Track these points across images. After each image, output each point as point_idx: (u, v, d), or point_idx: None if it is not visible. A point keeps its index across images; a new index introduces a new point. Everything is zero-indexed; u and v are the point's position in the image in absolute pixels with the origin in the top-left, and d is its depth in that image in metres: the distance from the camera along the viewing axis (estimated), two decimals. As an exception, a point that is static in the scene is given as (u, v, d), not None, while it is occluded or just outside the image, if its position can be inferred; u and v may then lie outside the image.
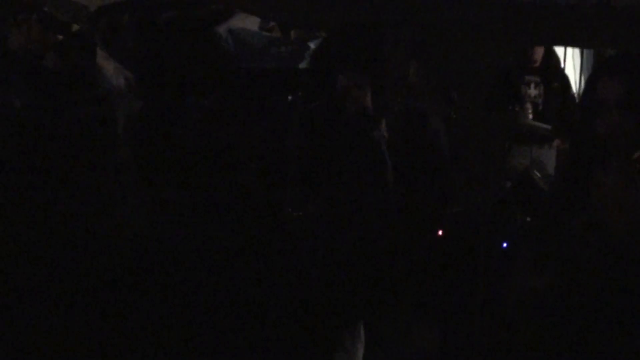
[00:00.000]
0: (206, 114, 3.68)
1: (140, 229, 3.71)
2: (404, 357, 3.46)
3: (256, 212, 3.61)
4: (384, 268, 3.00)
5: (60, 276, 3.39)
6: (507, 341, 3.23)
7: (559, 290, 2.38)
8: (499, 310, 3.36)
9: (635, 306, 2.16)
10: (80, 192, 3.57)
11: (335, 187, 2.86)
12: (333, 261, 2.86)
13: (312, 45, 4.35)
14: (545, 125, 4.87)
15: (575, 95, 5.37)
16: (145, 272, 3.52)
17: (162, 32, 3.92)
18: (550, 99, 5.28)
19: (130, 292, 3.47)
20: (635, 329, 2.16)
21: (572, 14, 3.15)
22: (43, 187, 3.42)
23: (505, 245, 4.03)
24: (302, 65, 4.02)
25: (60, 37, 3.44)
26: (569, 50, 5.91)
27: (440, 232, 3.92)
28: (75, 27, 4.19)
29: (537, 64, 5.35)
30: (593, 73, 2.40)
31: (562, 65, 5.63)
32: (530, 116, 5.17)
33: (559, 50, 5.60)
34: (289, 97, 3.06)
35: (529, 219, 3.94)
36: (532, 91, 5.30)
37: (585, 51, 6.02)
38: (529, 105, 5.20)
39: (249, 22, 4.66)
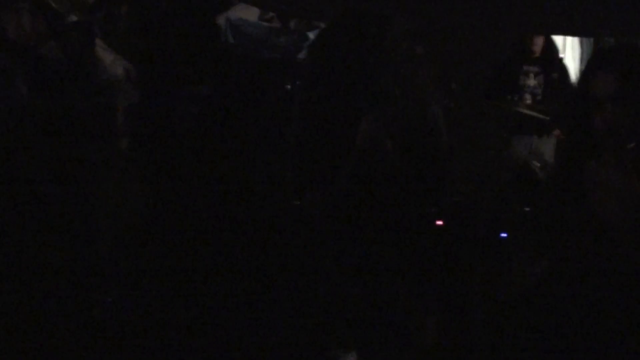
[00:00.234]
0: (204, 104, 3.68)
1: (138, 218, 3.72)
2: (402, 349, 3.46)
3: (256, 201, 3.62)
4: (383, 259, 3.01)
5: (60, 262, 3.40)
6: (505, 329, 3.24)
7: (556, 278, 2.39)
8: (497, 299, 3.37)
9: (629, 295, 2.17)
10: (79, 181, 3.58)
11: (334, 177, 2.86)
12: (332, 252, 2.87)
13: (311, 35, 4.35)
14: (544, 115, 4.87)
15: (575, 85, 5.36)
16: (142, 259, 3.54)
17: (160, 23, 3.92)
18: (549, 89, 5.28)
19: (128, 277, 3.48)
20: (630, 316, 2.17)
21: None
22: (42, 175, 3.42)
23: (504, 235, 4.03)
24: (301, 55, 4.03)
25: (53, 26, 3.42)
26: (568, 40, 5.90)
27: (439, 222, 3.93)
28: (73, 17, 4.18)
29: (537, 55, 5.34)
30: (587, 66, 2.38)
31: (562, 56, 5.63)
32: (530, 106, 5.17)
33: (558, 40, 5.60)
34: (288, 87, 3.07)
35: (527, 208, 3.94)
36: (532, 81, 5.30)
37: (584, 41, 6.01)
38: (528, 96, 5.20)
39: (248, 13, 4.66)
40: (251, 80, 3.88)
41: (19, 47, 3.46)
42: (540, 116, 4.63)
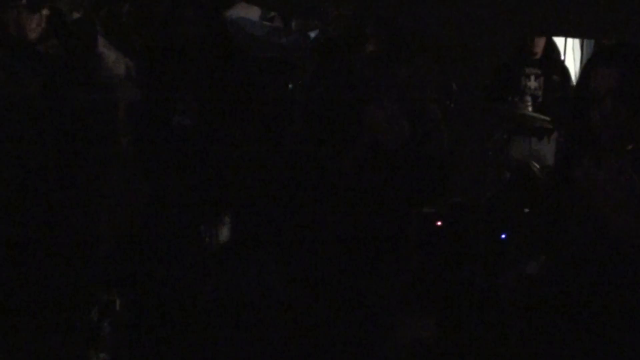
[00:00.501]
0: (204, 105, 3.69)
1: (138, 217, 3.72)
2: (400, 348, 3.47)
3: (257, 204, 3.62)
4: (383, 258, 3.01)
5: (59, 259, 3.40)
6: (502, 329, 3.26)
7: (553, 275, 2.39)
8: (496, 297, 3.38)
9: (628, 292, 2.17)
10: (80, 179, 3.58)
11: (337, 176, 2.87)
12: (334, 253, 2.88)
13: (312, 35, 4.36)
14: (544, 117, 4.87)
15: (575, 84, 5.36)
16: (143, 259, 3.53)
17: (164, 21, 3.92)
18: (550, 91, 5.28)
19: (128, 277, 3.49)
20: (629, 314, 2.18)
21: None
22: (43, 173, 3.42)
23: (504, 236, 4.04)
24: (302, 54, 4.03)
25: (54, 24, 3.42)
26: (569, 42, 5.91)
27: (439, 223, 3.94)
28: (75, 15, 4.19)
29: (538, 56, 5.35)
30: (588, 63, 2.37)
31: (562, 58, 5.63)
32: (530, 108, 5.17)
33: (559, 42, 5.60)
34: (290, 86, 3.07)
35: (527, 210, 3.95)
36: (532, 83, 5.30)
37: (585, 43, 6.02)
38: (528, 97, 5.20)
39: (249, 12, 4.66)
40: (252, 79, 3.88)
41: (20, 44, 3.46)
42: (541, 117, 4.64)
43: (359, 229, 2.87)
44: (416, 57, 3.22)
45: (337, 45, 3.05)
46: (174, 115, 3.67)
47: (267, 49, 4.41)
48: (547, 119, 4.91)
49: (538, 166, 4.30)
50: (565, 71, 5.48)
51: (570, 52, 6.09)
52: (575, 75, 5.62)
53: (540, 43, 5.34)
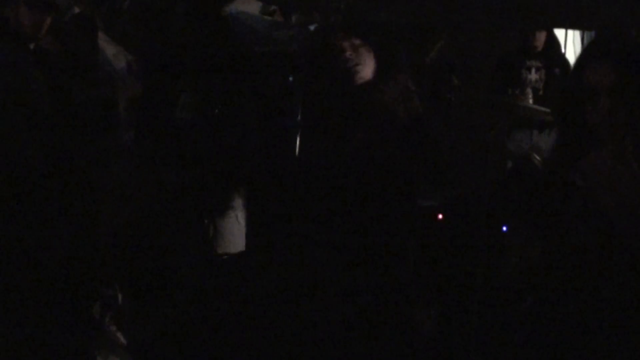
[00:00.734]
0: (205, 99, 3.69)
1: (140, 210, 3.72)
2: (403, 338, 3.47)
3: (259, 194, 3.63)
4: (385, 252, 3.01)
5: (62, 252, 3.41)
6: (502, 320, 3.26)
7: (551, 268, 2.39)
8: (496, 288, 3.38)
9: (629, 284, 2.17)
10: (82, 173, 3.58)
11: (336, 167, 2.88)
12: (334, 247, 2.88)
13: (312, 28, 4.36)
14: (545, 109, 4.87)
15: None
16: (146, 249, 3.54)
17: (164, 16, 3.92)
18: (550, 84, 5.28)
19: (130, 271, 3.49)
20: (629, 306, 2.17)
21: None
22: (45, 168, 3.42)
23: (505, 228, 4.03)
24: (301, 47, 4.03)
25: (49, 18, 3.42)
26: (570, 34, 5.90)
27: (440, 216, 3.93)
28: (76, 10, 4.19)
29: (539, 49, 5.35)
30: (581, 56, 2.34)
31: (563, 50, 5.63)
32: (531, 100, 5.17)
33: (560, 35, 5.60)
34: (290, 78, 3.08)
35: (527, 202, 3.94)
36: (533, 76, 5.30)
37: (585, 36, 6.01)
38: (529, 90, 5.20)
39: (249, 6, 4.66)
40: (253, 72, 3.88)
41: (20, 39, 3.46)
42: (542, 109, 4.62)
43: (359, 222, 2.88)
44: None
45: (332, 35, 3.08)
46: (175, 109, 3.67)
47: (267, 43, 4.41)
48: (548, 111, 4.91)
49: (539, 158, 4.28)
50: (566, 64, 5.47)
51: (571, 44, 6.08)
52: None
53: (541, 36, 5.34)
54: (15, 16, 3.37)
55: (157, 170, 3.76)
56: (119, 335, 3.53)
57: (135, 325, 3.70)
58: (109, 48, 4.04)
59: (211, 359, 3.18)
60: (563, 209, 2.28)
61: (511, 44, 5.44)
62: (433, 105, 4.05)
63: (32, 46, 3.49)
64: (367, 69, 2.98)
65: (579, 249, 2.24)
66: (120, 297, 3.57)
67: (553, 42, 5.45)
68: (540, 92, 5.25)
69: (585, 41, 6.09)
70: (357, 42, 3.02)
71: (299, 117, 3.07)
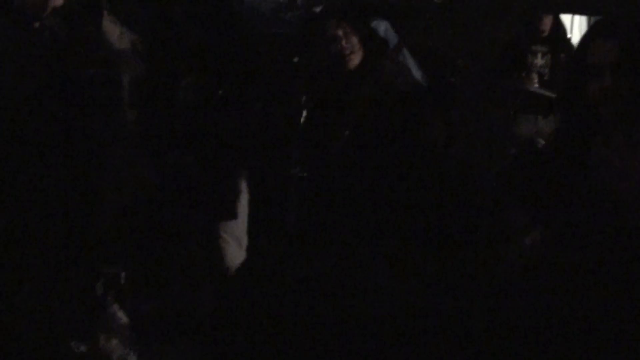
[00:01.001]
0: (208, 80, 3.68)
1: (142, 191, 3.72)
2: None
3: (261, 173, 3.63)
4: (386, 233, 3.01)
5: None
6: (504, 302, 3.25)
7: (553, 251, 2.38)
8: (496, 271, 3.37)
9: (633, 265, 2.16)
10: (84, 153, 3.58)
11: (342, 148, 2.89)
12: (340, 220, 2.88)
13: (317, 10, 4.34)
14: (550, 93, 4.86)
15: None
16: (149, 228, 3.54)
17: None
18: (556, 69, 5.27)
19: (133, 246, 3.50)
20: (633, 292, 2.17)
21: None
22: (46, 147, 3.42)
23: (507, 214, 4.02)
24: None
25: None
26: (576, 20, 5.88)
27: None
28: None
29: (545, 34, 5.33)
30: (586, 34, 2.31)
31: (569, 36, 5.61)
32: (536, 85, 5.16)
33: (566, 20, 5.58)
34: (295, 59, 3.09)
35: (531, 186, 3.93)
36: (539, 61, 5.28)
37: (592, 21, 5.98)
38: (534, 75, 5.19)
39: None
40: (257, 53, 3.87)
41: (24, 18, 3.46)
42: (548, 93, 4.61)
43: (364, 199, 2.88)
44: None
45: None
46: (178, 91, 3.67)
47: (272, 25, 4.40)
48: (554, 95, 4.90)
49: (543, 142, 4.27)
50: (572, 49, 5.45)
51: (577, 30, 6.07)
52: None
53: (547, 21, 5.33)
54: None
55: (159, 150, 3.75)
56: (121, 314, 3.54)
57: (138, 304, 3.71)
58: (113, 28, 4.01)
59: (215, 338, 3.18)
60: (567, 193, 2.27)
61: (517, 28, 5.42)
62: (437, 89, 4.04)
63: (36, 25, 3.48)
64: (357, 56, 3.08)
65: (584, 234, 2.23)
66: (122, 276, 3.58)
67: (559, 27, 5.44)
68: (546, 77, 5.24)
69: (591, 26, 6.07)
70: (348, 29, 3.08)
71: (304, 99, 3.08)
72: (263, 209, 3.86)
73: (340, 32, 3.10)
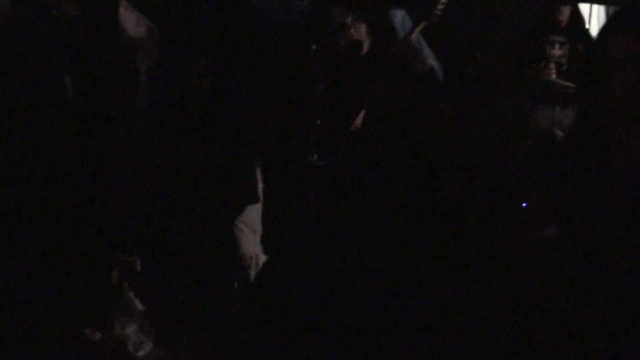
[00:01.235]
0: (223, 68, 3.67)
1: (156, 179, 3.72)
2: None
3: (277, 161, 3.61)
4: (399, 217, 2.99)
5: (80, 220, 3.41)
6: (520, 296, 3.22)
7: (571, 242, 2.36)
8: (513, 265, 3.34)
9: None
10: (100, 140, 3.58)
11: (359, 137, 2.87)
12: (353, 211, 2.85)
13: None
14: (568, 83, 4.82)
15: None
16: (164, 216, 3.54)
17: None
18: (574, 59, 5.23)
19: (149, 234, 3.49)
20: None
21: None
22: (63, 134, 3.42)
23: (525, 205, 4.00)
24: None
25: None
26: (594, 10, 5.83)
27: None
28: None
29: (563, 24, 5.29)
30: (605, 27, 2.27)
31: (587, 26, 5.56)
32: (554, 76, 5.12)
33: (584, 10, 5.54)
34: (313, 47, 3.07)
35: (549, 178, 3.90)
36: (557, 51, 5.25)
37: (610, 11, 5.94)
38: (552, 65, 5.15)
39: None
40: (271, 42, 3.86)
41: (42, 5, 3.45)
42: (566, 84, 4.58)
43: (380, 186, 2.86)
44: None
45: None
46: (192, 78, 3.66)
47: (287, 13, 4.38)
48: (572, 85, 4.87)
49: (562, 134, 4.25)
50: (590, 39, 5.41)
51: (595, 20, 6.02)
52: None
53: (565, 11, 5.28)
54: None
55: (173, 137, 3.75)
56: (137, 301, 3.54)
57: (153, 291, 3.71)
58: (130, 15, 4.01)
59: (231, 325, 3.18)
60: (588, 184, 2.24)
61: (535, 18, 5.39)
62: (454, 80, 4.02)
63: (54, 12, 3.48)
64: (366, 44, 3.10)
65: (605, 226, 2.21)
66: (138, 263, 3.58)
67: (577, 17, 5.40)
68: (564, 68, 5.20)
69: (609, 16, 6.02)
70: (357, 16, 3.08)
71: (321, 87, 3.07)
72: (279, 198, 3.85)
73: (348, 20, 3.09)
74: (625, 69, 2.11)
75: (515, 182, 3.86)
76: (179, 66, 3.69)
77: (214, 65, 3.65)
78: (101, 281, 3.48)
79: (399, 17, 3.82)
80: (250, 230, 3.80)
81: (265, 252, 3.81)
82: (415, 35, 3.00)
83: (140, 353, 3.40)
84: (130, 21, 4.03)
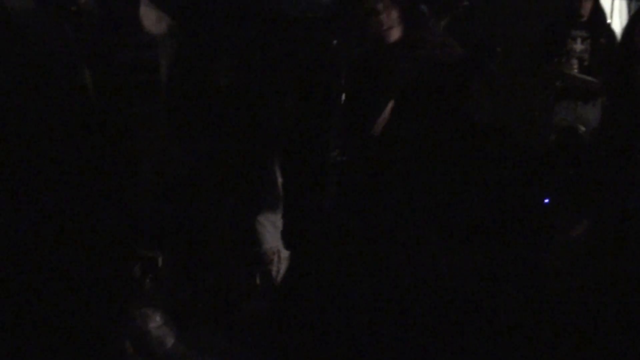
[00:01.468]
0: (243, 65, 3.67)
1: (177, 175, 3.73)
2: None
3: (298, 157, 3.61)
4: (422, 214, 2.98)
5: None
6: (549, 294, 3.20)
7: (601, 240, 2.33)
8: (542, 263, 3.32)
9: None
10: (122, 136, 3.59)
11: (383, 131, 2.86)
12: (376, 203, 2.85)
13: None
14: (591, 78, 4.79)
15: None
16: (181, 214, 3.54)
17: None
18: (596, 54, 5.19)
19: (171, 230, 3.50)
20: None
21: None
22: (84, 130, 3.43)
23: (547, 201, 3.98)
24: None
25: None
26: (616, 5, 5.79)
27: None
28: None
29: (584, 19, 5.25)
30: (632, 19, 2.27)
31: (609, 21, 5.52)
32: (576, 71, 5.09)
33: (606, 4, 5.49)
34: (334, 42, 3.06)
35: (572, 172, 3.88)
36: (579, 46, 5.21)
37: (632, 6, 5.89)
38: (574, 60, 5.12)
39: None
40: (291, 39, 3.85)
41: (61, 1, 3.46)
42: (589, 79, 4.54)
43: (410, 179, 2.85)
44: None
45: None
46: (213, 75, 3.66)
47: (307, 8, 4.37)
48: (594, 80, 4.83)
49: (584, 129, 4.22)
50: (612, 34, 5.37)
51: (617, 15, 5.97)
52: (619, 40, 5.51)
53: (587, 5, 5.25)
54: None
55: (193, 135, 3.75)
56: (159, 297, 3.55)
57: (175, 287, 3.71)
58: (151, 11, 4.01)
59: (252, 322, 3.19)
60: (618, 181, 2.22)
61: (556, 13, 5.35)
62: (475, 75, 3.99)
63: (74, 8, 3.48)
64: (397, 30, 3.04)
65: (637, 224, 2.18)
66: (160, 259, 3.59)
67: (599, 12, 5.36)
68: (586, 63, 5.16)
69: (631, 11, 5.97)
70: (388, 2, 3.03)
71: (343, 82, 3.05)
72: (300, 194, 3.84)
73: (379, 6, 3.04)
74: None
75: (538, 178, 3.84)
76: (200, 63, 3.70)
77: (234, 61, 3.65)
78: (123, 277, 3.49)
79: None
80: (271, 225, 3.80)
81: (286, 247, 3.81)
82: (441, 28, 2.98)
83: (162, 349, 3.40)
84: (151, 18, 4.03)
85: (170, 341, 3.44)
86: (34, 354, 3.05)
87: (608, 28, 5.40)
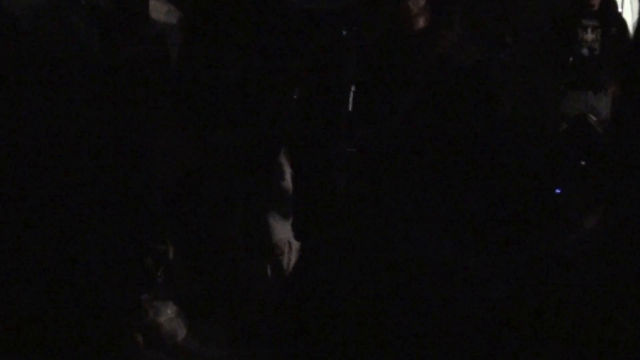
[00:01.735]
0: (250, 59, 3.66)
1: (188, 168, 3.73)
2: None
3: (307, 148, 3.60)
4: (435, 205, 2.96)
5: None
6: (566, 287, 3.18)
7: (615, 232, 2.31)
8: (555, 255, 3.30)
9: None
10: (134, 130, 3.59)
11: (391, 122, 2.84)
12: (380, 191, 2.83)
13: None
14: (601, 68, 4.76)
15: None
16: (192, 206, 3.54)
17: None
18: (607, 44, 5.15)
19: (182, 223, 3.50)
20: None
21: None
22: (97, 125, 3.44)
23: (558, 191, 3.96)
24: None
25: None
26: (628, -7, 5.75)
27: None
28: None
29: (595, 8, 5.20)
30: None
31: (620, 10, 5.47)
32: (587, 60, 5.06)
33: (618, -7, 5.45)
34: (344, 33, 3.04)
35: (583, 163, 3.86)
36: (589, 35, 5.16)
37: (644, -5, 5.85)
38: (585, 50, 5.08)
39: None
40: (298, 32, 3.84)
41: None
42: (599, 68, 4.51)
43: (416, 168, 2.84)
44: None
45: None
46: (221, 68, 3.66)
47: (313, 1, 4.36)
48: (605, 70, 4.80)
49: (595, 119, 4.19)
50: (623, 24, 5.33)
51: (628, 4, 5.92)
52: (632, 28, 5.46)
53: (598, -6, 5.21)
54: None
55: (202, 128, 3.75)
56: (170, 289, 3.56)
57: (186, 280, 3.72)
58: (161, 5, 4.02)
59: (265, 313, 3.18)
60: (633, 170, 2.20)
61: (566, 2, 5.31)
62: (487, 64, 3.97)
63: (83, 1, 3.49)
64: (423, 19, 2.97)
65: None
66: (171, 252, 3.60)
67: (610, 1, 5.31)
68: (597, 52, 5.12)
69: (643, 0, 5.93)
70: None
71: (354, 73, 3.04)
72: (309, 185, 3.84)
73: None
74: None
75: (549, 168, 3.82)
76: (208, 55, 3.69)
77: (243, 54, 3.65)
78: (135, 269, 3.50)
79: None
80: (282, 217, 3.80)
81: (296, 238, 3.81)
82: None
83: (174, 341, 3.41)
84: (161, 11, 4.04)
85: (181, 334, 3.45)
86: (47, 346, 3.06)
87: (619, 17, 5.35)
